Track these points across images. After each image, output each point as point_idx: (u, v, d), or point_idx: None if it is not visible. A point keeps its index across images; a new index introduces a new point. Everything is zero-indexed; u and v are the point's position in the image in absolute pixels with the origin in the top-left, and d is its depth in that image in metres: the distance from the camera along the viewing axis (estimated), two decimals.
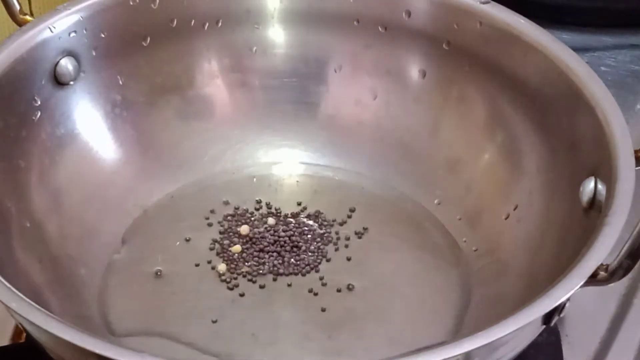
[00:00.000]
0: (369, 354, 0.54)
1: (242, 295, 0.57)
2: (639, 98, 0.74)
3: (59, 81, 0.59)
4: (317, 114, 0.67)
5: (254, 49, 0.66)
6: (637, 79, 0.76)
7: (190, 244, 0.60)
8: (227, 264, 0.59)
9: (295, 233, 0.61)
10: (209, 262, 0.59)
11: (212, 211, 0.62)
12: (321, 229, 0.61)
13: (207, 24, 0.64)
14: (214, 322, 0.55)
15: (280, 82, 0.66)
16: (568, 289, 0.44)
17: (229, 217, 0.62)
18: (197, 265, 0.59)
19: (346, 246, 0.60)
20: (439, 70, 0.64)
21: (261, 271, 0.58)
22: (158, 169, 0.64)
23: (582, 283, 0.44)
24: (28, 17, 0.59)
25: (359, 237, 0.61)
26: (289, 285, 0.58)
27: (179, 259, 0.59)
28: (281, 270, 0.58)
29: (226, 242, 0.60)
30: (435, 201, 0.63)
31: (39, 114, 0.58)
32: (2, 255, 0.51)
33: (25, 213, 0.55)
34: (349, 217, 0.62)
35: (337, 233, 0.61)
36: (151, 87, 0.64)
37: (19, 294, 0.44)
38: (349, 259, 0.60)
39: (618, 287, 0.59)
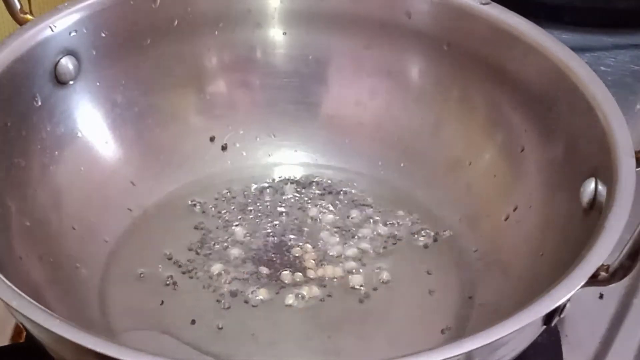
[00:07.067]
0: (369, 354, 0.54)
1: (242, 295, 0.57)
2: (639, 98, 0.74)
3: (59, 80, 0.59)
4: (317, 114, 0.67)
5: (255, 49, 0.66)
6: (637, 79, 0.76)
7: (190, 244, 0.60)
8: (226, 264, 0.59)
9: (295, 233, 0.61)
10: (209, 262, 0.59)
11: (211, 211, 0.62)
12: (321, 229, 0.61)
13: (208, 24, 0.64)
14: (215, 322, 0.55)
15: (280, 82, 0.66)
16: (569, 290, 0.44)
17: (228, 217, 0.62)
18: (196, 265, 0.59)
19: (346, 247, 0.60)
20: (439, 70, 0.64)
21: (262, 272, 0.58)
22: (158, 169, 0.64)
23: (582, 284, 0.44)
24: (28, 16, 0.59)
25: (359, 238, 0.61)
26: (289, 285, 0.58)
27: (179, 259, 0.59)
28: (281, 271, 0.58)
29: (226, 242, 0.60)
30: (436, 201, 0.63)
31: (39, 113, 0.58)
32: (3, 254, 0.50)
33: (25, 212, 0.55)
34: (349, 217, 0.62)
35: (337, 233, 0.61)
36: (151, 87, 0.64)
37: (20, 292, 0.44)
38: (349, 260, 0.60)
39: (618, 287, 0.59)
